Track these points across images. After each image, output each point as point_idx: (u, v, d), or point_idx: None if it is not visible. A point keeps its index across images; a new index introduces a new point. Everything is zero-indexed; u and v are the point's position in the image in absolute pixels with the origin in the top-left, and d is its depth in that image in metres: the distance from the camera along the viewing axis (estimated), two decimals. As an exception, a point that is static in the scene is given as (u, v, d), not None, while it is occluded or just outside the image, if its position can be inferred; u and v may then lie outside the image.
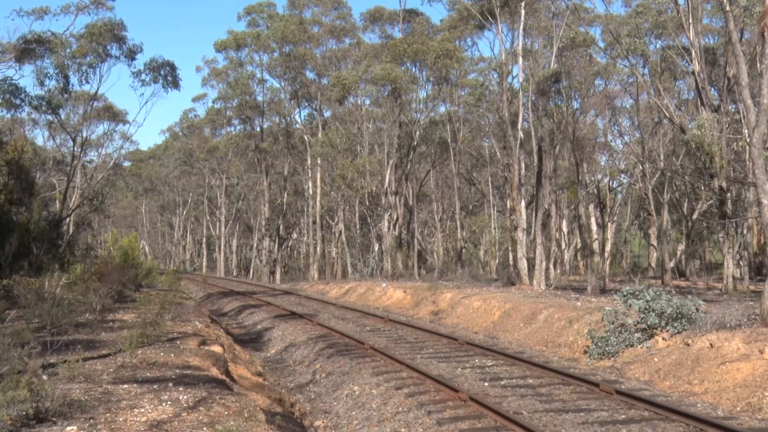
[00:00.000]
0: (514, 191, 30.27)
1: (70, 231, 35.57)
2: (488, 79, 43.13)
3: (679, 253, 41.34)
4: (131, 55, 28.96)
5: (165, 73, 29.37)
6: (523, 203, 29.53)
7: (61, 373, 9.42)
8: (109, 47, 28.45)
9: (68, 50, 27.70)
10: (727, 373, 11.25)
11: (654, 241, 40.63)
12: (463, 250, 45.17)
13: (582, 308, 18.11)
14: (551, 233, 36.00)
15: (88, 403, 8.08)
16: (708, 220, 33.29)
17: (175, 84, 29.60)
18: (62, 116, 32.30)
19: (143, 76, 29.30)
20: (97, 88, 29.84)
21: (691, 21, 25.23)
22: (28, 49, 26.25)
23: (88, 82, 28.89)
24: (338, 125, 49.04)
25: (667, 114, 27.64)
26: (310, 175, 53.70)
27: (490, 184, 49.20)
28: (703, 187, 33.96)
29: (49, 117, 31.84)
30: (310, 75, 54.00)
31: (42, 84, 27.44)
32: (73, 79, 28.30)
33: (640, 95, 36.13)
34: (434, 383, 11.98)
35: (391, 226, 42.44)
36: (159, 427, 7.36)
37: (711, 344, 12.29)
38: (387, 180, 42.17)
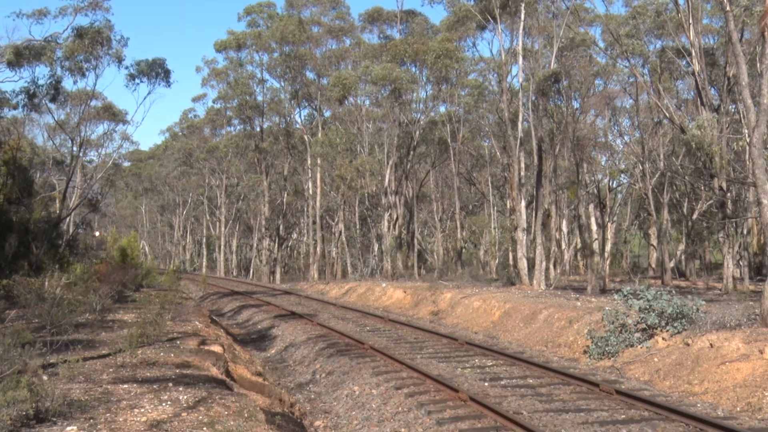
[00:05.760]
0: (514, 191, 30.26)
1: (70, 231, 35.59)
2: (488, 79, 43.13)
3: (679, 253, 41.30)
4: (119, 55, 29.71)
5: (156, 70, 30.05)
6: (523, 203, 29.52)
7: (61, 373, 9.42)
8: (100, 49, 28.93)
9: (60, 52, 28.20)
10: (727, 373, 11.25)
11: (654, 241, 40.61)
12: (463, 250, 45.15)
13: (582, 308, 18.11)
14: (551, 233, 35.99)
15: (88, 403, 8.08)
16: (708, 220, 33.24)
17: (167, 76, 30.48)
18: (62, 116, 32.51)
19: (132, 71, 30.33)
20: (94, 86, 30.30)
21: (691, 21, 25.22)
22: (20, 56, 26.74)
23: (85, 77, 29.45)
24: (338, 125, 48.99)
25: (667, 114, 27.61)
26: (310, 175, 53.67)
27: (490, 184, 49.15)
28: (703, 187, 33.92)
29: (49, 120, 32.24)
30: (310, 75, 54.03)
31: (34, 92, 27.89)
32: (68, 79, 28.99)
33: (640, 95, 36.09)
34: (434, 383, 11.97)
35: (391, 226, 42.42)
36: (159, 427, 7.36)
37: (711, 344, 12.29)
38: (387, 180, 42.16)
